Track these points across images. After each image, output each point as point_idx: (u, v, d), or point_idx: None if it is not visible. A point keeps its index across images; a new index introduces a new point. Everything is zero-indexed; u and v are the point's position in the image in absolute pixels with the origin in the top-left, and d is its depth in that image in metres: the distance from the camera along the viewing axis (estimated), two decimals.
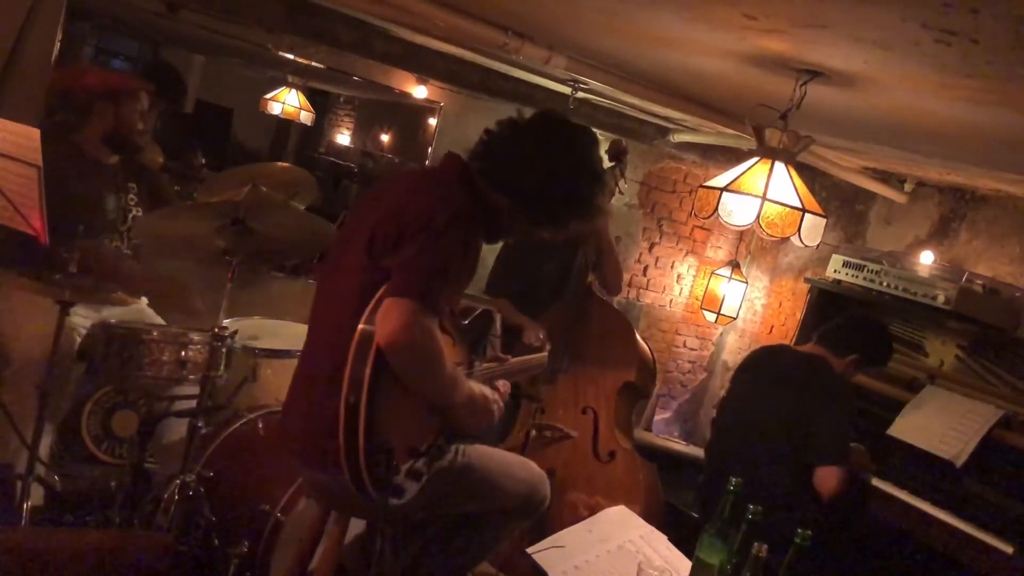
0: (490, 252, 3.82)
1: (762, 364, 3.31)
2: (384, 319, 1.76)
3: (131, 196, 3.06)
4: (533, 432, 3.34)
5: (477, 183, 2.02)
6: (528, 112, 2.11)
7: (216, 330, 2.65)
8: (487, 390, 2.06)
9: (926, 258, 4.14)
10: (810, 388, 3.02)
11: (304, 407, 2.02)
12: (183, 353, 2.75)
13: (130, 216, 3.05)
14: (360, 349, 1.79)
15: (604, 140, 4.30)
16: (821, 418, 2.95)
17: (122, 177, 3.04)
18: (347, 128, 5.42)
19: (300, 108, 4.85)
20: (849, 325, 3.28)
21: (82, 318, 2.80)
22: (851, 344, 3.16)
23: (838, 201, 5.10)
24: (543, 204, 2.04)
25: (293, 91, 4.77)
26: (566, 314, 3.40)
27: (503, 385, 2.17)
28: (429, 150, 4.69)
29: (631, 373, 3.40)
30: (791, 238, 2.67)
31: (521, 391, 3.36)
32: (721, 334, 5.86)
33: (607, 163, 3.50)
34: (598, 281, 3.77)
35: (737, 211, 2.68)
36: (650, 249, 5.49)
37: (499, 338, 3.76)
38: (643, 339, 3.55)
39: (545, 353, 2.64)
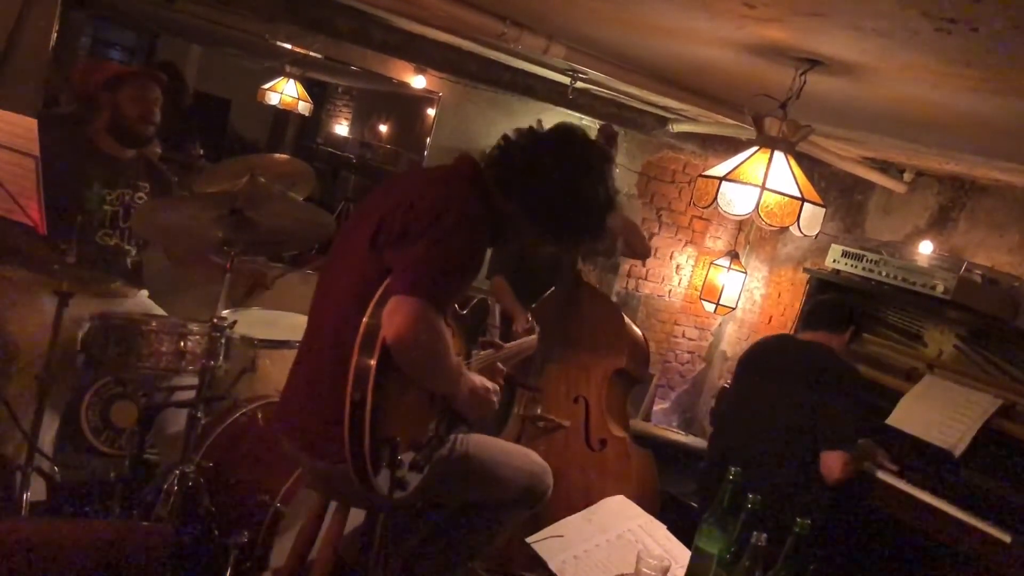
0: None
1: (767, 357, 3.35)
2: (391, 317, 1.76)
3: (140, 195, 3.00)
4: (527, 422, 3.34)
5: (488, 188, 2.01)
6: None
7: (215, 320, 2.65)
8: (487, 381, 2.07)
9: (925, 248, 4.14)
10: (819, 379, 3.06)
11: (306, 398, 2.02)
12: (182, 344, 2.75)
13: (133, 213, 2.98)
14: (365, 343, 1.79)
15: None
16: (830, 407, 2.99)
17: (133, 174, 2.99)
18: (345, 118, 5.40)
19: (298, 98, 4.83)
20: (835, 302, 3.47)
21: (82, 309, 2.79)
22: (847, 317, 3.33)
23: (837, 191, 5.09)
24: (552, 219, 2.02)
25: (291, 81, 4.75)
26: (557, 303, 3.39)
27: (499, 372, 2.17)
28: (428, 140, 4.67)
29: (622, 360, 3.39)
30: (790, 228, 2.67)
31: (515, 381, 3.36)
32: (720, 324, 5.86)
33: None
34: (627, 251, 3.78)
35: (736, 201, 2.68)
36: (649, 239, 5.47)
37: (498, 328, 3.76)
38: (637, 326, 3.55)
39: (535, 336, 2.64)
